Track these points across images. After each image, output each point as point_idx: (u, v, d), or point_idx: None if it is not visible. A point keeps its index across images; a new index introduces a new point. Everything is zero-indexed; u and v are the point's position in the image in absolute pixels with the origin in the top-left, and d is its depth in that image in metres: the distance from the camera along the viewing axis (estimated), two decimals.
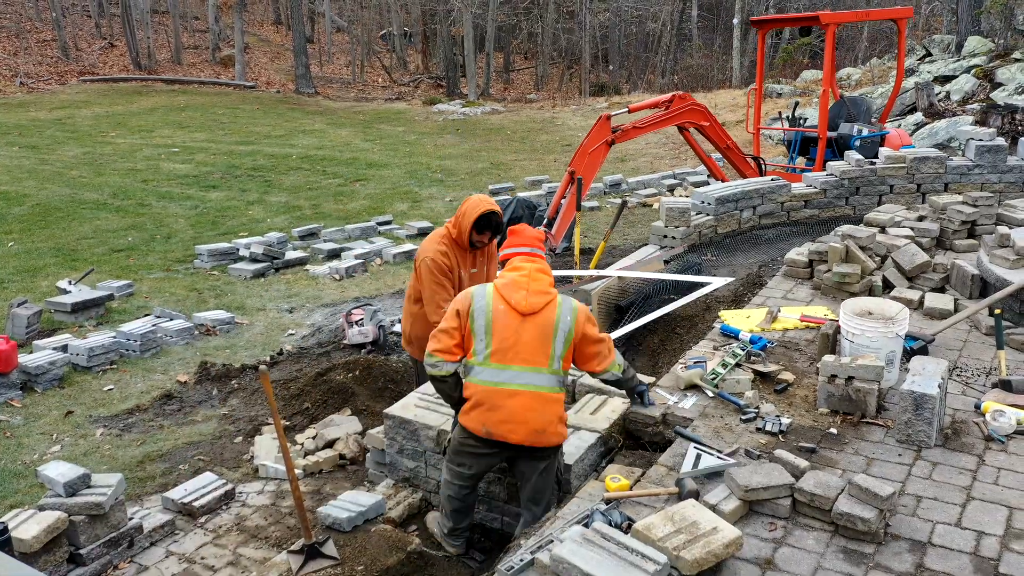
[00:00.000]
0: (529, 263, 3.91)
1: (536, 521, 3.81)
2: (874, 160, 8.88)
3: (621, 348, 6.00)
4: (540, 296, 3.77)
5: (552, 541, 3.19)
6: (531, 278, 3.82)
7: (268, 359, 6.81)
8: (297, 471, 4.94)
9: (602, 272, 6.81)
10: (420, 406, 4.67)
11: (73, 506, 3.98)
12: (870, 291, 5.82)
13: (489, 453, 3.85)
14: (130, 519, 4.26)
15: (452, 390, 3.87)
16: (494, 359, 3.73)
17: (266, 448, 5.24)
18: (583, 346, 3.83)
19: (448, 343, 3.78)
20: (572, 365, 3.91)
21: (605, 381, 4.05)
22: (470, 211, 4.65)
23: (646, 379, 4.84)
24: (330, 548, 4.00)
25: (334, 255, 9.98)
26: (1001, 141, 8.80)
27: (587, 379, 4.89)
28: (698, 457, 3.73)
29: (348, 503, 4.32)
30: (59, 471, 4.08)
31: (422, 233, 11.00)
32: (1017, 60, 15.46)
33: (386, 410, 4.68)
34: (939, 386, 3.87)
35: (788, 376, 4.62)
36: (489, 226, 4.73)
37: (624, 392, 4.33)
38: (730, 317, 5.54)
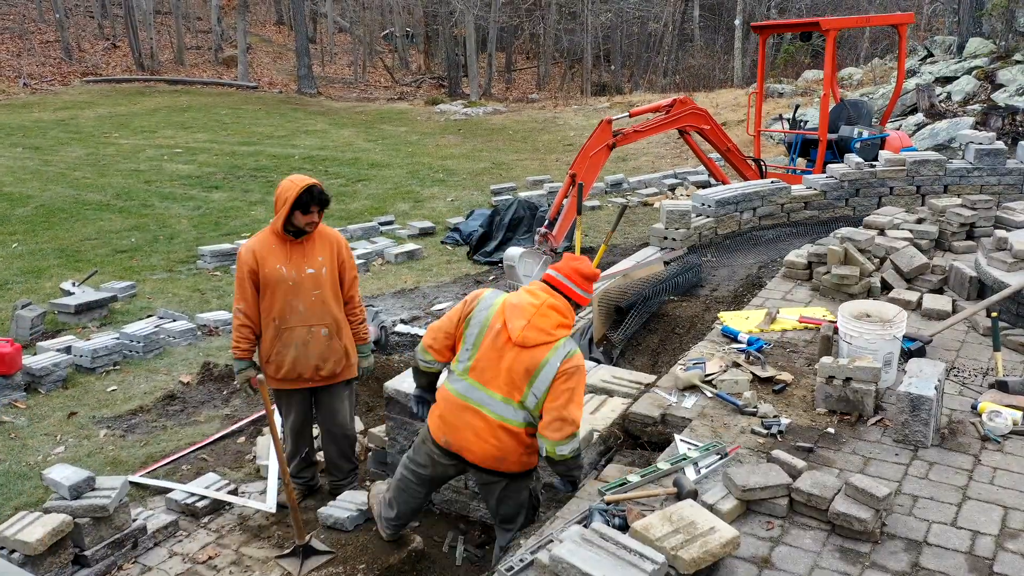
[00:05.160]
0: (548, 295, 3.61)
1: (510, 541, 3.75)
2: (874, 162, 8.91)
3: (621, 348, 6.06)
4: (538, 333, 3.50)
5: (551, 541, 3.22)
6: (540, 312, 3.55)
7: None
8: None
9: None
10: None
11: (78, 508, 4.03)
12: (869, 292, 5.85)
13: (445, 463, 3.75)
14: (134, 520, 4.30)
15: (423, 379, 3.89)
16: (472, 375, 3.60)
17: (268, 448, 5.27)
18: (551, 394, 3.49)
19: (444, 343, 3.74)
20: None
21: (550, 461, 3.57)
22: (287, 191, 4.21)
23: (646, 379, 4.88)
24: (319, 544, 4.08)
25: None
26: (1000, 145, 8.83)
27: (588, 379, 4.93)
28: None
29: (349, 503, 4.36)
30: (64, 474, 4.12)
31: (424, 233, 11.04)
32: (1018, 62, 15.47)
33: (387, 410, 4.72)
34: (936, 388, 3.90)
35: (786, 376, 4.65)
36: (313, 201, 4.24)
37: (621, 393, 4.34)
38: (729, 318, 5.57)
